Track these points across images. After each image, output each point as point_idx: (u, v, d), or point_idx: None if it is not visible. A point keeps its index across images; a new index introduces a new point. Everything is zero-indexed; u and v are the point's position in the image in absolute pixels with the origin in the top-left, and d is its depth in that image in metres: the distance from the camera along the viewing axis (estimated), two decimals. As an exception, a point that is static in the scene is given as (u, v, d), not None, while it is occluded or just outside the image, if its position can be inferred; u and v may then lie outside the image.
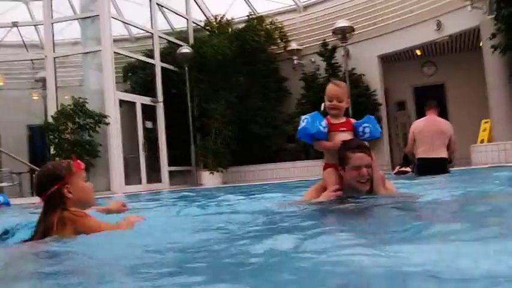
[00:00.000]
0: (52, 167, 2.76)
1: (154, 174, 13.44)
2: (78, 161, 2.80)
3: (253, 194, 5.94)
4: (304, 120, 3.86)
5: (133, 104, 13.31)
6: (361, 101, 13.36)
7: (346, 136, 3.83)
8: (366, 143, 3.77)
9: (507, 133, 11.98)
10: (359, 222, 2.75)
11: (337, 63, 14.34)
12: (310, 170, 13.53)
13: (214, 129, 13.58)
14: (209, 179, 13.35)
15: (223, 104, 13.65)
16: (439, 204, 3.43)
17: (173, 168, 13.92)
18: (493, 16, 11.52)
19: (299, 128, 3.87)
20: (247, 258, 1.78)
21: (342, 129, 3.88)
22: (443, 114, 14.57)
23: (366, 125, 3.93)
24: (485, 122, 13.37)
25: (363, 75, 14.28)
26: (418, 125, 8.23)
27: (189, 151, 13.88)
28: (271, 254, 1.81)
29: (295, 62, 15.10)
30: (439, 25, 13.62)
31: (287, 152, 14.49)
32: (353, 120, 4.02)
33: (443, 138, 7.98)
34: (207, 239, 2.33)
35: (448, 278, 1.33)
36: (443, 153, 7.89)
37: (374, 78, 14.40)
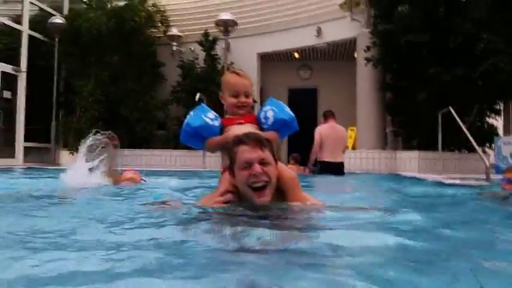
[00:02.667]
0: None
1: (7, 149, 12.39)
2: None
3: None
4: (187, 117, 3.08)
5: (-10, 70, 12.18)
6: (236, 96, 13.33)
7: (246, 129, 2.85)
8: (264, 136, 2.70)
9: (370, 142, 12.56)
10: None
11: (216, 55, 14.17)
12: (180, 159, 13.27)
13: (80, 107, 12.80)
14: (68, 159, 12.56)
15: (93, 82, 12.91)
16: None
17: (30, 144, 12.95)
18: (370, 30, 11.98)
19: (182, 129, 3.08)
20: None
21: (240, 121, 3.02)
22: (314, 117, 15.14)
23: (266, 108, 3.06)
24: (351, 130, 13.92)
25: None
26: (325, 131, 9.33)
27: (49, 128, 12.97)
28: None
29: (174, 48, 14.71)
30: (319, 31, 13.98)
31: (156, 139, 14.07)
32: (256, 112, 3.17)
33: (343, 144, 9.48)
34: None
35: None
36: (342, 158, 9.34)
37: (252, 75, 14.23)
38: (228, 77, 3.17)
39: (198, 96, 11.76)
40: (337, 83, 15.76)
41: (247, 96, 3.08)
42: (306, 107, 13.00)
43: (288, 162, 10.80)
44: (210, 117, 3.01)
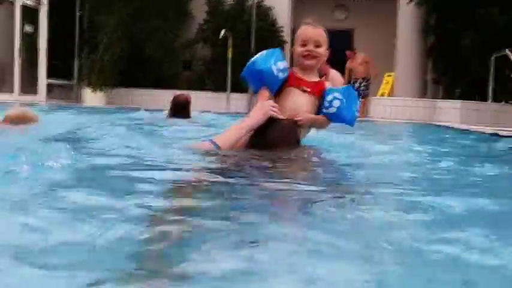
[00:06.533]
0: None
1: (29, 85, 12.03)
2: None
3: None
4: (258, 54, 2.88)
5: (11, 3, 11.66)
6: (265, 35, 12.53)
7: (304, 102, 2.81)
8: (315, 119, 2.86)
9: (408, 89, 11.90)
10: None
11: (245, -10, 13.31)
12: (206, 101, 12.72)
13: (103, 44, 12.22)
14: (91, 98, 12.16)
15: (117, 17, 12.27)
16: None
17: (52, 80, 12.56)
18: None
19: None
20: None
21: (305, 88, 2.81)
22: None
23: (336, 94, 2.82)
24: (388, 76, 13.28)
25: (272, 8, 13.38)
26: None
27: (72, 64, 12.50)
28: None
29: (201, -18, 13.90)
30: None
31: (182, 79, 13.50)
32: (327, 85, 2.93)
33: None
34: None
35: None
36: None
37: (283, 13, 13.55)
38: (300, 29, 2.94)
39: (222, 32, 11.08)
40: (376, 24, 14.76)
41: (317, 46, 2.80)
42: (340, 50, 12.21)
43: None
44: (279, 67, 2.78)
